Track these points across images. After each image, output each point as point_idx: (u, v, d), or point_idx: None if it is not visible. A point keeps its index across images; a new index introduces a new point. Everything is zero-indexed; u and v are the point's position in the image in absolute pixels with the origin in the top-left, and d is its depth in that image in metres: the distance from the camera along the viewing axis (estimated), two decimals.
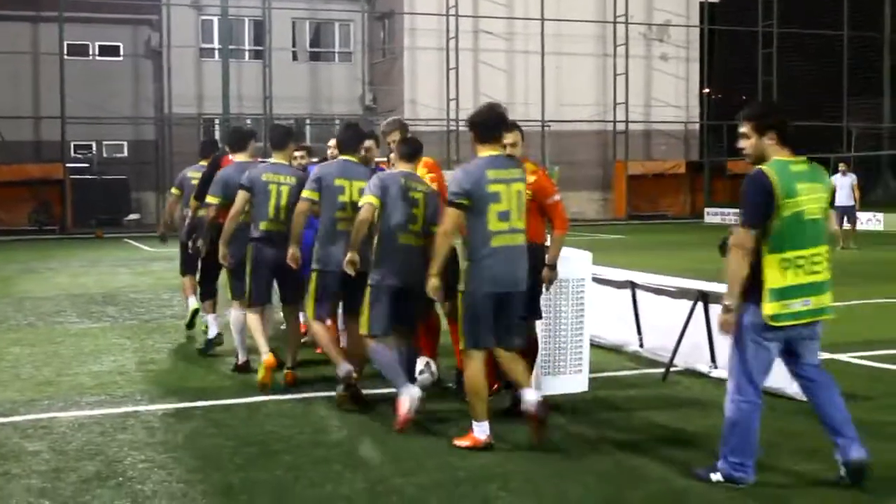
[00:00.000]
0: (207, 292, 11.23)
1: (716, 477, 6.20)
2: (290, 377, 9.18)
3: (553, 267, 7.99)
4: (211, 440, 7.34)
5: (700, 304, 9.28)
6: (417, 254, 7.81)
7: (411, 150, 8.29)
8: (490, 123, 7.25)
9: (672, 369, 9.44)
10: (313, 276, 8.48)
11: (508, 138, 7.70)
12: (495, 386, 8.51)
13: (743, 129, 6.17)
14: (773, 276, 5.98)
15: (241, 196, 9.26)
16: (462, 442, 7.06)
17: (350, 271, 7.95)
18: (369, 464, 6.70)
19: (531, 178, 7.86)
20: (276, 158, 9.44)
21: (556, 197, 8.05)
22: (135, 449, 7.12)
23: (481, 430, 7.03)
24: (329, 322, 8.92)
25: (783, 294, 6.00)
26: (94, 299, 16.18)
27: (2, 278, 20.27)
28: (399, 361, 7.86)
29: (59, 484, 6.31)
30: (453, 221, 7.00)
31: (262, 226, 9.20)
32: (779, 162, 6.06)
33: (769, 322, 5.99)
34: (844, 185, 26.13)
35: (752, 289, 6.00)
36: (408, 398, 7.48)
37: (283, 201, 9.14)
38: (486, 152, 7.16)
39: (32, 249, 29.14)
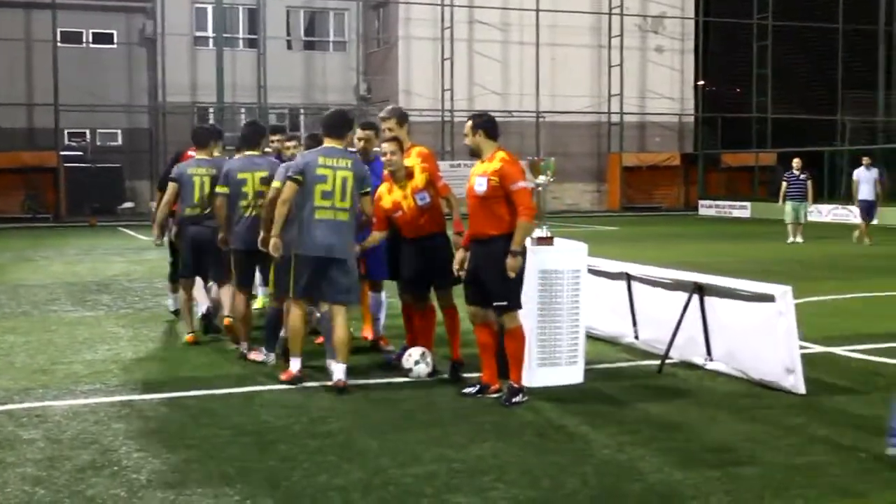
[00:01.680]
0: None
1: None
2: (227, 322, 10.52)
3: (516, 254, 7.93)
4: (206, 430, 7.32)
5: (696, 297, 9.26)
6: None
7: (316, 144, 9.36)
8: (332, 123, 8.96)
9: (667, 361, 9.43)
10: (230, 253, 10.15)
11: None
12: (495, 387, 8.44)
13: None
14: None
15: (172, 187, 10.90)
16: (282, 375, 8.80)
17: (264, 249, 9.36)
18: (365, 455, 6.69)
19: (497, 166, 8.05)
20: (198, 154, 11.01)
21: (521, 184, 7.98)
22: (130, 438, 7.10)
23: (295, 365, 8.81)
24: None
25: None
26: (89, 288, 16.14)
27: None
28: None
29: (54, 472, 6.28)
30: (289, 192, 8.66)
31: (187, 210, 10.77)
32: None
33: None
34: (868, 179, 25.59)
35: None
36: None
37: (206, 190, 10.66)
38: (327, 143, 8.85)
39: (26, 237, 29.07)
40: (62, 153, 38.48)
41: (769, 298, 8.49)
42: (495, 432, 7.23)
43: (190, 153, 11.43)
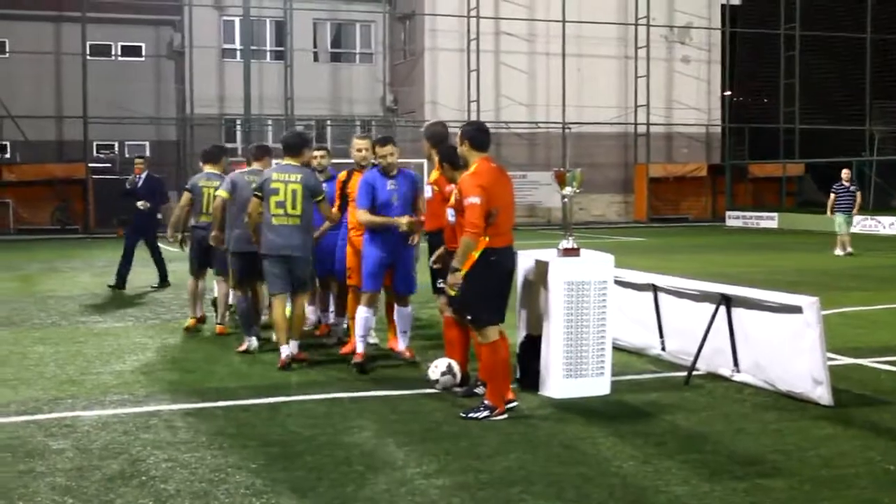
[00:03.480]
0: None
1: None
2: (219, 329, 12.34)
3: (454, 270, 7.84)
4: (233, 440, 7.35)
5: (723, 308, 9.24)
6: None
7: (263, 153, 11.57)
8: (289, 144, 10.48)
9: (694, 373, 9.40)
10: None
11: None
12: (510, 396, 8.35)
13: None
14: None
15: (186, 196, 12.78)
16: (279, 364, 10.04)
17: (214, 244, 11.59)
18: (392, 465, 6.71)
19: (461, 178, 8.09)
20: (208, 169, 12.85)
21: (470, 199, 7.82)
22: (158, 448, 7.14)
23: (285, 350, 10.10)
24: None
25: None
26: (117, 299, 16.25)
27: (25, 277, 20.41)
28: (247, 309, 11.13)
29: (83, 482, 6.34)
30: (252, 206, 10.30)
31: (197, 219, 12.60)
32: None
33: None
34: None
35: None
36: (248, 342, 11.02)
37: (213, 200, 12.13)
38: (285, 160, 10.37)
39: (55, 248, 29.28)
40: (91, 165, 38.73)
41: (797, 310, 8.45)
42: (522, 443, 7.23)
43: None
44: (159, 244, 17.92)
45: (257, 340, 11.01)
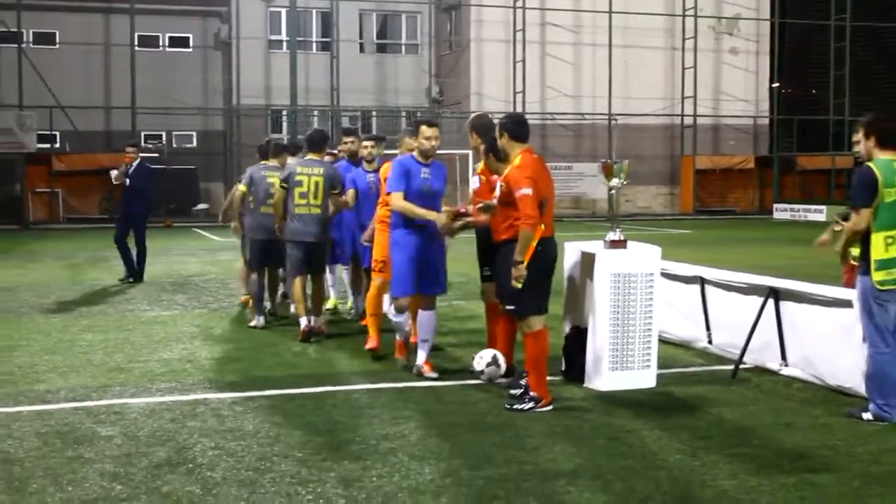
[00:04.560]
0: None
1: (867, 416, 7.55)
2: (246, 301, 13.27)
3: (517, 263, 7.75)
4: (279, 429, 7.39)
5: (771, 301, 9.15)
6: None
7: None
8: (312, 140, 11.62)
9: (741, 366, 9.33)
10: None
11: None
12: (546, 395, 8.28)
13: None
14: (878, 250, 7.46)
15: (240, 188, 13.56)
16: (300, 336, 11.07)
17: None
18: (437, 456, 6.70)
19: (508, 170, 8.07)
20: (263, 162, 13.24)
21: (523, 190, 7.80)
22: (204, 436, 7.19)
23: (304, 321, 11.12)
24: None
25: (886, 264, 7.45)
26: (164, 287, 16.38)
27: (73, 265, 20.64)
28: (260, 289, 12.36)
29: (131, 469, 6.39)
30: (279, 195, 11.43)
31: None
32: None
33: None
34: None
35: (862, 262, 7.60)
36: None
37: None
38: (309, 156, 11.51)
39: (103, 237, 29.38)
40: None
41: (847, 304, 8.35)
42: (567, 436, 7.21)
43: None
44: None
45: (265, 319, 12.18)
